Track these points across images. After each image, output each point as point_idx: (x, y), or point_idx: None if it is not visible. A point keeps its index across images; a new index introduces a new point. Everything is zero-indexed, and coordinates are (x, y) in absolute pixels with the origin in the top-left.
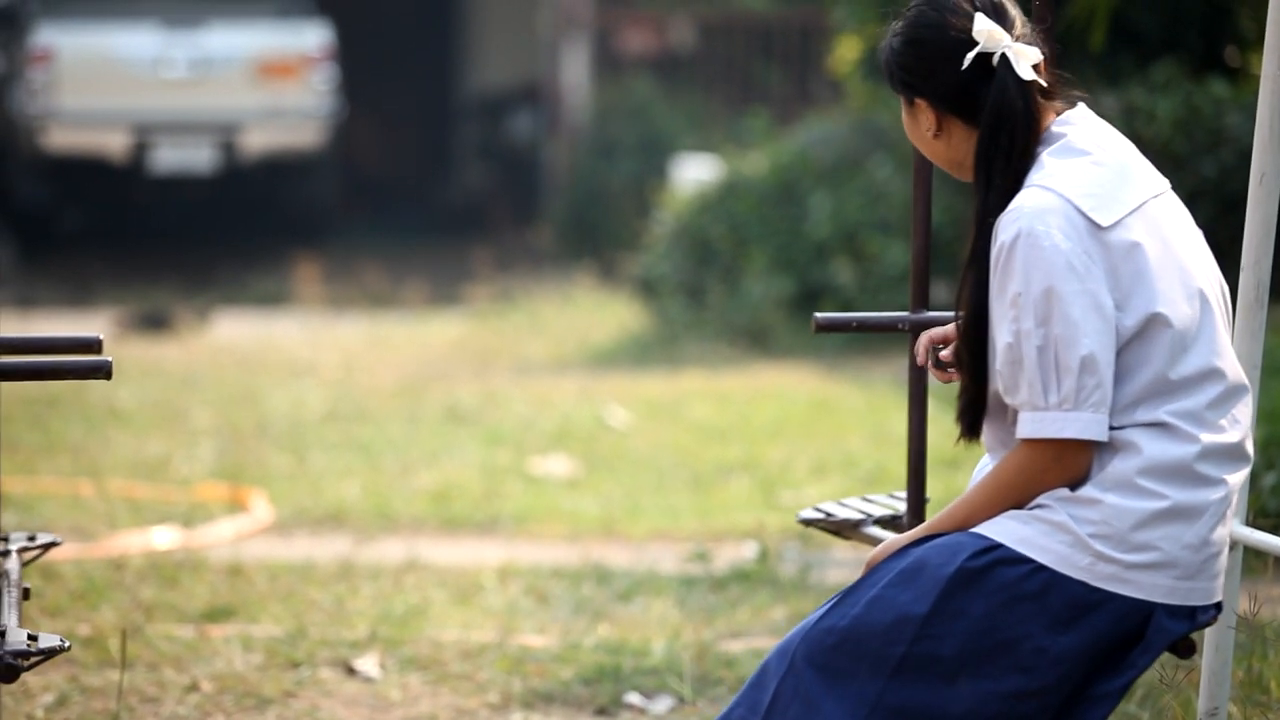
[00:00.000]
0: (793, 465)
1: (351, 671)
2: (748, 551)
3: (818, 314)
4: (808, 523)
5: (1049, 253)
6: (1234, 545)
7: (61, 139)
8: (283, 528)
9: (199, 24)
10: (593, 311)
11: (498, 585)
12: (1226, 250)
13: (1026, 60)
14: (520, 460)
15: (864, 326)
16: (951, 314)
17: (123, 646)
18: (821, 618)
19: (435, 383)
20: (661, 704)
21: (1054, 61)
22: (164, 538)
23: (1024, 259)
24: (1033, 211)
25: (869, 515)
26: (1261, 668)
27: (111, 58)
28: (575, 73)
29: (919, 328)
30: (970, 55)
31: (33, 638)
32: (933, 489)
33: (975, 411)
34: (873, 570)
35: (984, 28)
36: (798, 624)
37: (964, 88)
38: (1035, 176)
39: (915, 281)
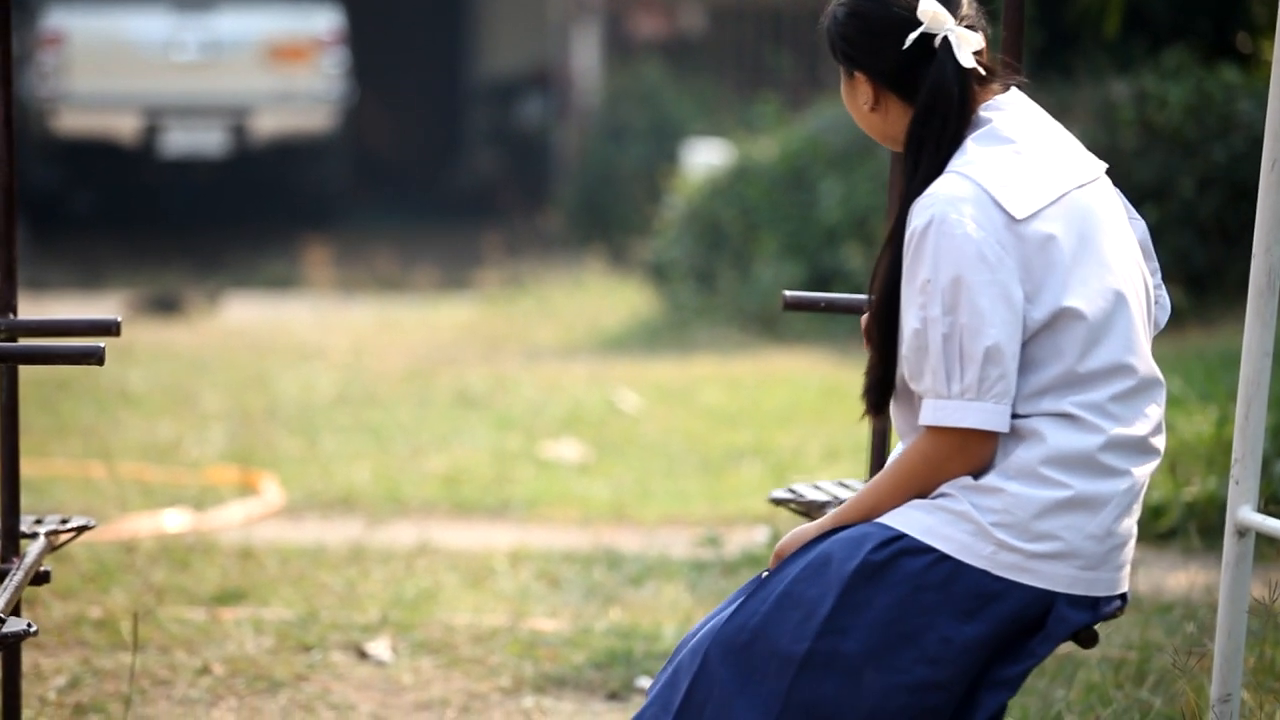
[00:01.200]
0: (804, 450)
1: (363, 655)
2: (759, 536)
3: (786, 291)
4: (778, 502)
5: (960, 241)
6: (1245, 532)
7: (72, 122)
8: (293, 511)
9: (210, 7)
10: (603, 296)
11: (509, 569)
12: (1237, 237)
13: (968, 46)
14: (531, 445)
15: (832, 307)
16: None
17: (134, 629)
18: (733, 615)
19: (445, 367)
20: None
21: (997, 44)
22: (175, 520)
23: (935, 246)
24: (946, 199)
25: (838, 498)
26: (1274, 654)
27: (122, 41)
28: (585, 57)
29: None
30: (913, 36)
31: (1, 620)
32: None
33: (882, 390)
34: (782, 564)
35: (929, 9)
36: (708, 616)
37: (904, 66)
38: (956, 162)
39: None
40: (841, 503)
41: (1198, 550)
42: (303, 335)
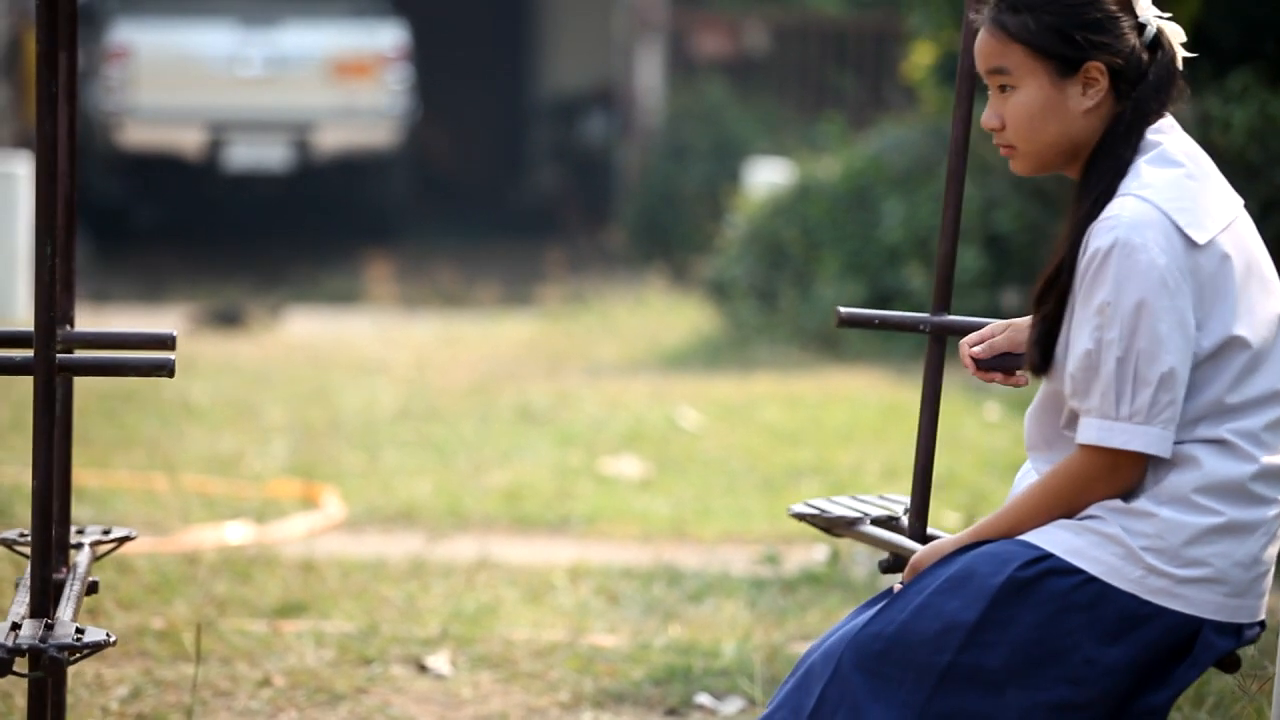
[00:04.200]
0: (863, 469)
1: (423, 669)
2: (818, 554)
3: (840, 308)
4: (799, 517)
5: (1144, 266)
6: None
7: (137, 136)
8: (354, 525)
9: (275, 22)
10: (664, 313)
11: (569, 585)
12: None
13: (1178, 38)
14: (591, 460)
15: (886, 325)
16: (975, 319)
17: (197, 640)
18: (868, 623)
19: (507, 382)
20: (732, 705)
21: None
22: (237, 533)
23: (1118, 269)
24: (1130, 222)
25: (865, 514)
26: None
27: (188, 55)
28: (648, 75)
29: (939, 330)
30: (1149, 19)
31: (80, 631)
32: (1000, 493)
33: (1049, 341)
34: (919, 576)
35: (1148, 0)
36: (838, 624)
37: (1138, 53)
38: (1132, 185)
39: (939, 286)
40: (866, 517)
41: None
42: (365, 350)
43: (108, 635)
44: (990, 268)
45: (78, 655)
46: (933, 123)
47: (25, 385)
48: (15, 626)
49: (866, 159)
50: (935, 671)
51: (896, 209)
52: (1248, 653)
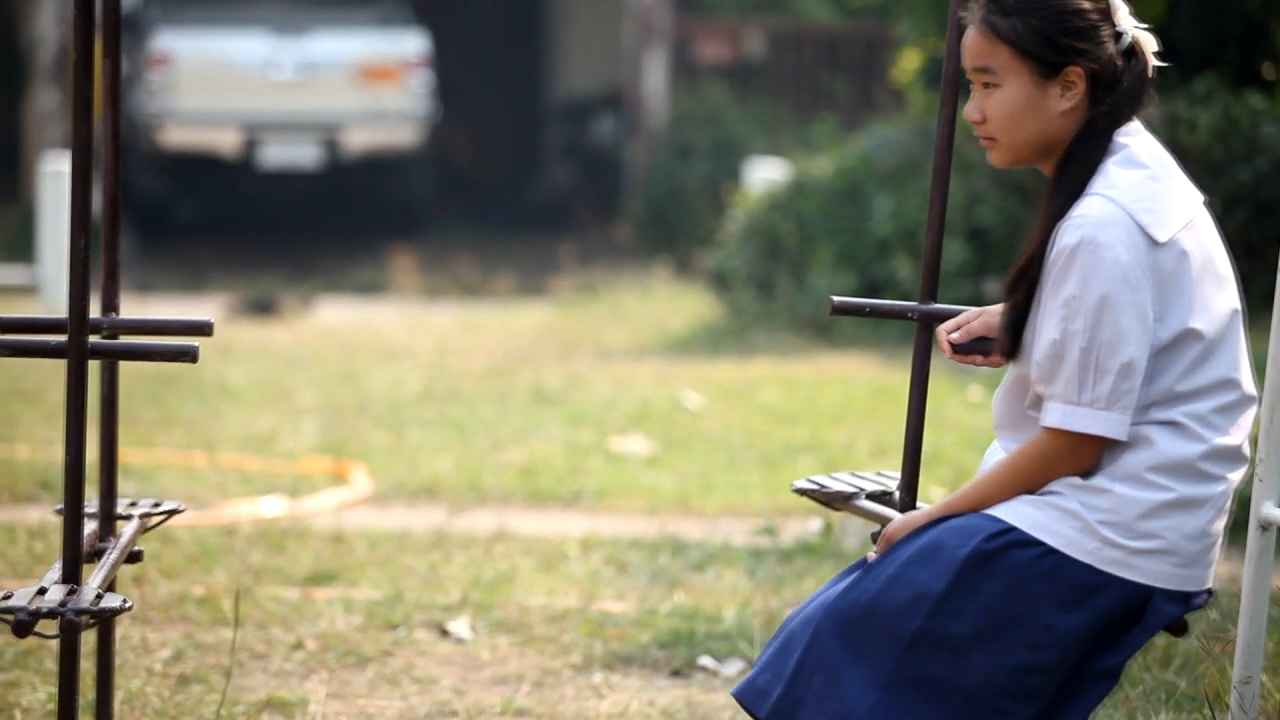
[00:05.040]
0: (855, 446)
1: (445, 633)
2: (813, 526)
3: (834, 297)
4: (801, 492)
5: (1108, 263)
6: (1268, 526)
7: (177, 136)
8: (381, 499)
9: (306, 31)
10: (669, 302)
11: (580, 555)
12: (1261, 251)
13: (1151, 48)
14: (601, 439)
15: (876, 313)
16: (959, 307)
17: (235, 607)
18: (844, 592)
19: (523, 366)
20: (732, 667)
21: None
22: (272, 507)
23: (1084, 265)
24: (1097, 221)
25: (861, 489)
26: None
27: (224, 61)
28: (655, 80)
29: (926, 317)
30: (1123, 26)
31: (99, 597)
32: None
33: (1018, 329)
34: (892, 547)
35: (1118, 4)
36: (816, 592)
37: (1115, 60)
38: (1099, 185)
39: (925, 276)
40: (866, 493)
41: (1223, 543)
42: (390, 336)
43: (124, 601)
44: (973, 259)
45: (93, 619)
46: (919, 123)
47: None
48: (42, 591)
49: (857, 158)
50: (906, 637)
51: (885, 204)
52: (1211, 616)
